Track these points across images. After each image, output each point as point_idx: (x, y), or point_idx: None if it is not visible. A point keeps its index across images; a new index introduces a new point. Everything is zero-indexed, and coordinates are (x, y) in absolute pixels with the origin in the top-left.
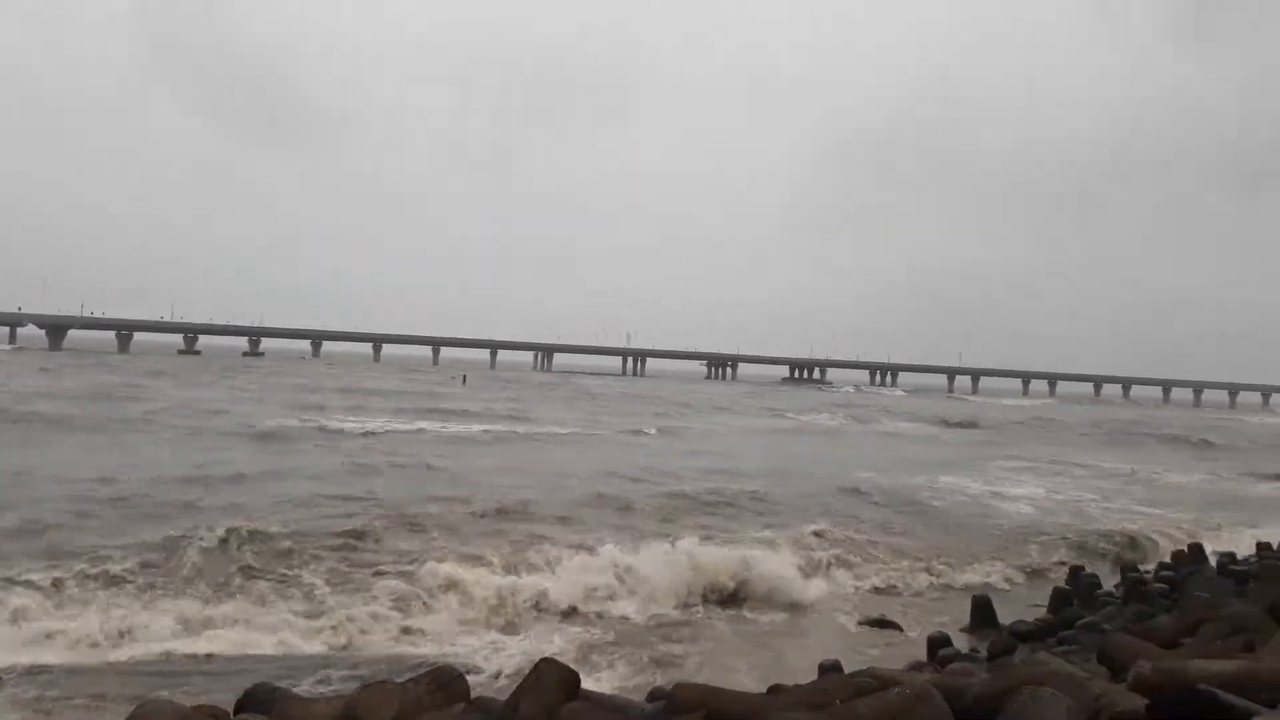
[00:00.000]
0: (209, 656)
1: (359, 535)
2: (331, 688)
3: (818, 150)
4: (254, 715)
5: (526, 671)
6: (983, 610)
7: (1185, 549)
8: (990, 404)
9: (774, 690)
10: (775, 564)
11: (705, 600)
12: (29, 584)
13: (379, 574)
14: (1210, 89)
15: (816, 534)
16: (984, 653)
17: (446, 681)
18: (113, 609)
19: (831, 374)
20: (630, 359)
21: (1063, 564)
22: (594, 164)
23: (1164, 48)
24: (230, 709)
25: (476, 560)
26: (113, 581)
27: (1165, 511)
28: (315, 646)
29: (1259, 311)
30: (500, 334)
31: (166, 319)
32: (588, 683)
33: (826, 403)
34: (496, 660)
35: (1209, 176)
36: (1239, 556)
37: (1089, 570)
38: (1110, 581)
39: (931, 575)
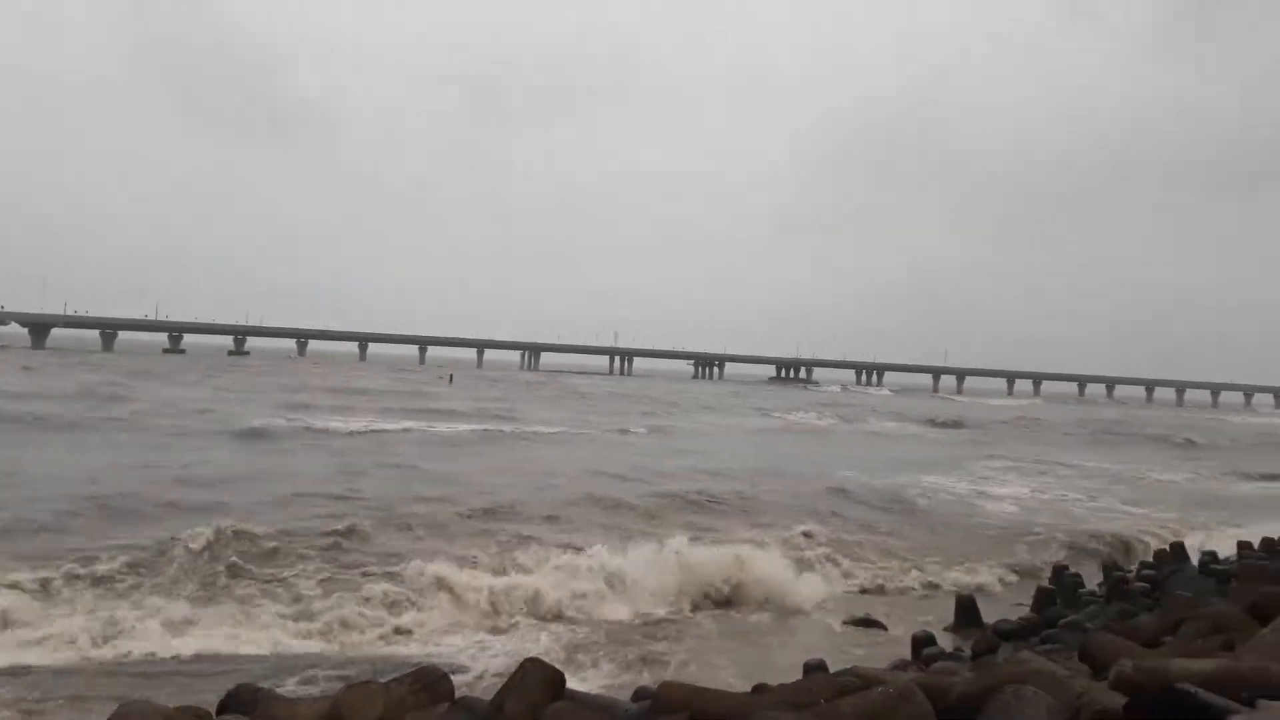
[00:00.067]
0: (194, 657)
1: (345, 535)
2: (317, 688)
3: (816, 150)
4: (237, 716)
5: (512, 671)
6: (967, 609)
7: (1167, 548)
8: (976, 403)
9: (759, 689)
10: (770, 566)
11: (696, 607)
12: (14, 585)
13: (365, 574)
14: (1209, 89)
15: (805, 534)
16: (968, 651)
17: (431, 681)
18: (98, 610)
19: (818, 374)
20: (618, 358)
21: (1048, 564)
22: (594, 164)
23: (1164, 48)
24: (213, 710)
25: (463, 560)
26: (98, 582)
27: (1149, 511)
28: (301, 647)
29: (1256, 312)
30: (500, 334)
31: (151, 318)
32: (573, 682)
33: (813, 402)
34: (482, 660)
35: (1208, 177)
36: (1220, 556)
37: (1072, 569)
38: (1093, 580)
39: (917, 575)
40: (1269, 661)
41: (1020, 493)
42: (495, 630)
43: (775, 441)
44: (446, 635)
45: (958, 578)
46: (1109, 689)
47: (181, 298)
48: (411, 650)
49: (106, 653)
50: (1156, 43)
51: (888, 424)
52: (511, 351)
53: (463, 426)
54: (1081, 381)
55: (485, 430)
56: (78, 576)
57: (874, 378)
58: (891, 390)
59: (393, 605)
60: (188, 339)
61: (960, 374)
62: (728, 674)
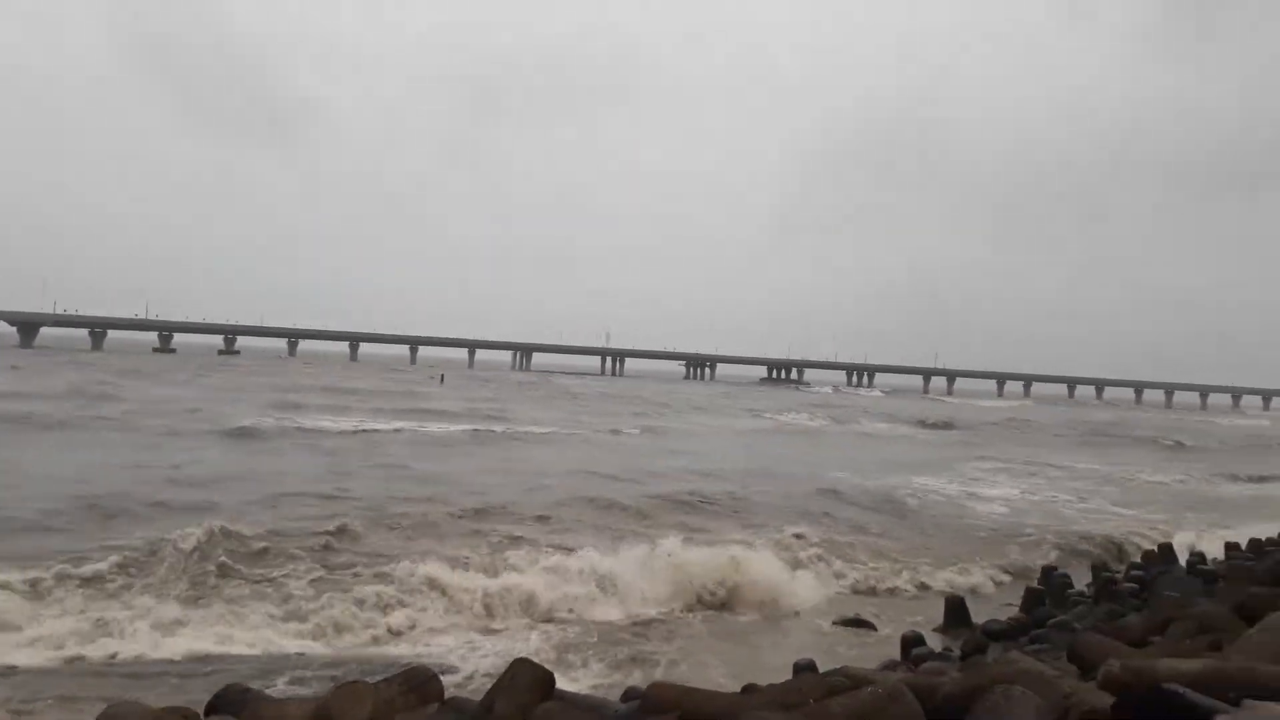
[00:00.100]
0: (184, 658)
1: (336, 536)
2: (306, 688)
3: (814, 150)
4: (225, 717)
5: (502, 672)
6: (956, 610)
7: (1156, 549)
8: (966, 405)
9: (748, 689)
10: (765, 568)
11: (689, 609)
12: (4, 585)
13: (356, 574)
14: (1209, 89)
15: (796, 535)
16: (957, 652)
17: (420, 682)
18: (87, 610)
19: (809, 375)
20: (609, 359)
21: (1039, 565)
22: (594, 164)
23: (1164, 48)
24: (202, 710)
25: (454, 561)
26: (88, 582)
27: (1138, 512)
28: (292, 647)
29: (1253, 312)
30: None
31: (141, 317)
32: (563, 682)
33: (805, 403)
34: (472, 660)
35: (1208, 177)
36: (1208, 557)
37: (1062, 570)
38: (1082, 581)
39: (907, 576)
40: (1256, 661)
41: (1011, 494)
42: (485, 631)
43: (767, 442)
44: (436, 636)
45: (948, 579)
46: (1097, 689)
47: (181, 297)
48: (401, 650)
49: (96, 653)
50: (1156, 43)
51: (879, 425)
52: (503, 352)
53: (454, 427)
54: (1071, 383)
55: (476, 430)
56: (67, 577)
57: (865, 379)
58: (883, 391)
59: (383, 606)
60: (178, 338)
61: (951, 375)
62: (718, 674)
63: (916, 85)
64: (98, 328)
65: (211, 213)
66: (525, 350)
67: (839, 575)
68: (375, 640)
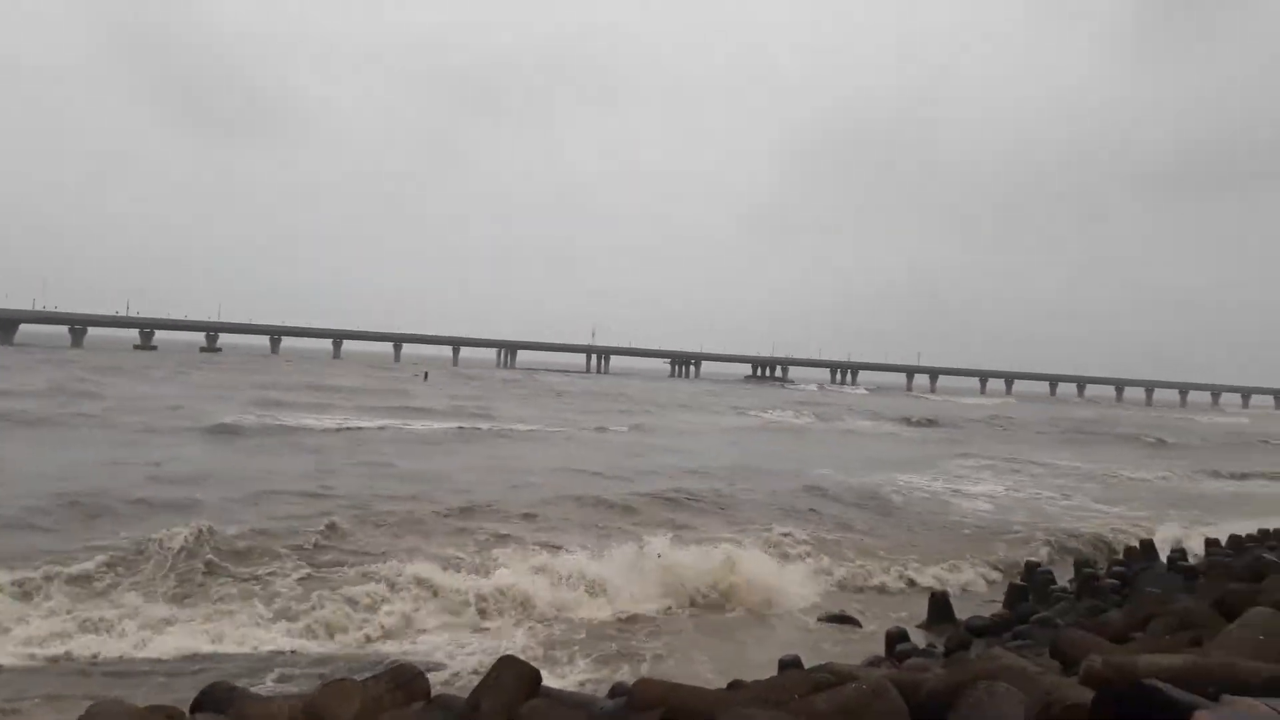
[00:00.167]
0: (171, 656)
1: (322, 534)
2: (293, 686)
3: (811, 150)
4: (210, 715)
5: (488, 669)
6: (940, 606)
7: (1137, 545)
8: (949, 402)
9: (734, 685)
10: (758, 567)
11: (681, 608)
12: None
13: (342, 573)
14: (1208, 89)
15: (784, 533)
16: (941, 648)
17: (406, 680)
18: (73, 609)
19: (793, 372)
20: (594, 356)
21: (1022, 561)
22: (594, 164)
23: (1164, 48)
24: (187, 709)
25: (441, 559)
26: (74, 581)
27: (1121, 509)
28: (278, 645)
29: (1246, 312)
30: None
31: (122, 314)
32: (549, 679)
33: (790, 401)
34: (459, 658)
35: (1206, 176)
36: (1189, 553)
37: (1045, 567)
38: (1064, 577)
39: (892, 572)
40: (1235, 657)
41: (995, 491)
42: (472, 628)
43: (753, 440)
44: (423, 633)
45: (933, 575)
46: (1079, 684)
47: (181, 297)
48: (389, 648)
49: (83, 652)
50: (1157, 42)
51: (863, 423)
52: (488, 350)
53: (438, 424)
54: (1053, 381)
55: (461, 428)
56: (52, 576)
57: (849, 376)
58: (867, 389)
59: (370, 604)
60: (159, 336)
61: (933, 373)
62: (704, 670)
63: (916, 85)
64: (78, 325)
65: (207, 212)
66: (510, 348)
67: (825, 572)
68: (363, 638)
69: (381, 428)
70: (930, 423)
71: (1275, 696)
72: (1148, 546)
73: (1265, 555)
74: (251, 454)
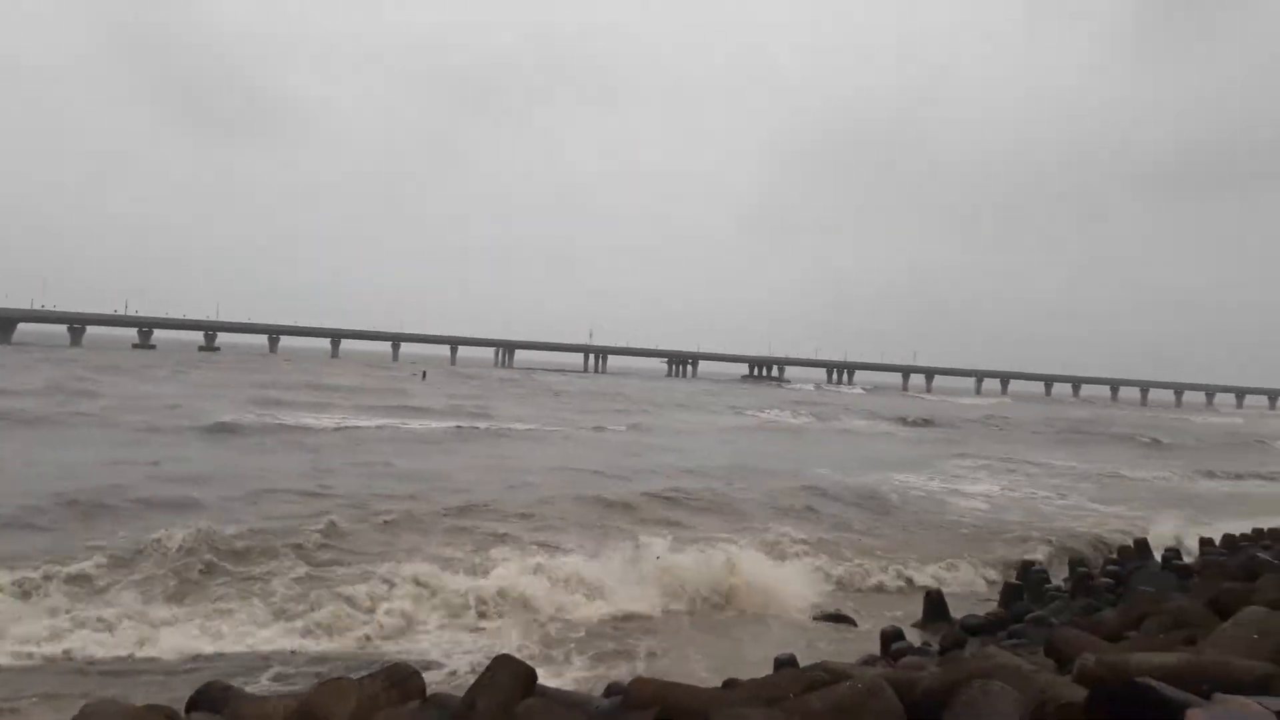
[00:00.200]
0: (169, 655)
1: (320, 533)
2: (290, 685)
3: (810, 149)
4: (205, 714)
5: (484, 668)
6: (935, 605)
7: (1131, 544)
8: (946, 402)
9: (729, 684)
10: (758, 568)
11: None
12: None
13: (340, 572)
14: (1207, 88)
15: (782, 533)
16: (936, 646)
17: (402, 678)
18: (72, 608)
19: (789, 372)
20: (592, 356)
21: (1018, 561)
22: (593, 164)
23: (1164, 47)
24: (182, 708)
25: (439, 558)
26: (72, 580)
27: (1118, 509)
28: (276, 644)
29: (1238, 312)
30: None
31: (121, 313)
32: (546, 678)
33: (787, 401)
34: (456, 657)
35: (1205, 176)
36: (1183, 552)
37: (1039, 566)
38: (1059, 576)
39: (888, 572)
40: (1229, 655)
41: (991, 490)
42: (469, 628)
43: (750, 439)
44: (421, 633)
45: (929, 575)
46: (1073, 683)
47: (180, 297)
48: (386, 647)
49: (81, 651)
50: (1157, 42)
51: (860, 422)
52: (485, 349)
53: (436, 424)
54: (1048, 381)
55: (459, 427)
56: (52, 575)
57: (845, 376)
58: (864, 389)
59: (368, 603)
60: (157, 335)
61: (929, 373)
62: (700, 668)
63: (916, 85)
64: (76, 324)
65: (206, 211)
66: (507, 347)
67: (822, 571)
68: (361, 638)
69: (380, 427)
70: (927, 422)
71: (1268, 695)
72: (1142, 545)
73: (1259, 554)
74: (250, 453)
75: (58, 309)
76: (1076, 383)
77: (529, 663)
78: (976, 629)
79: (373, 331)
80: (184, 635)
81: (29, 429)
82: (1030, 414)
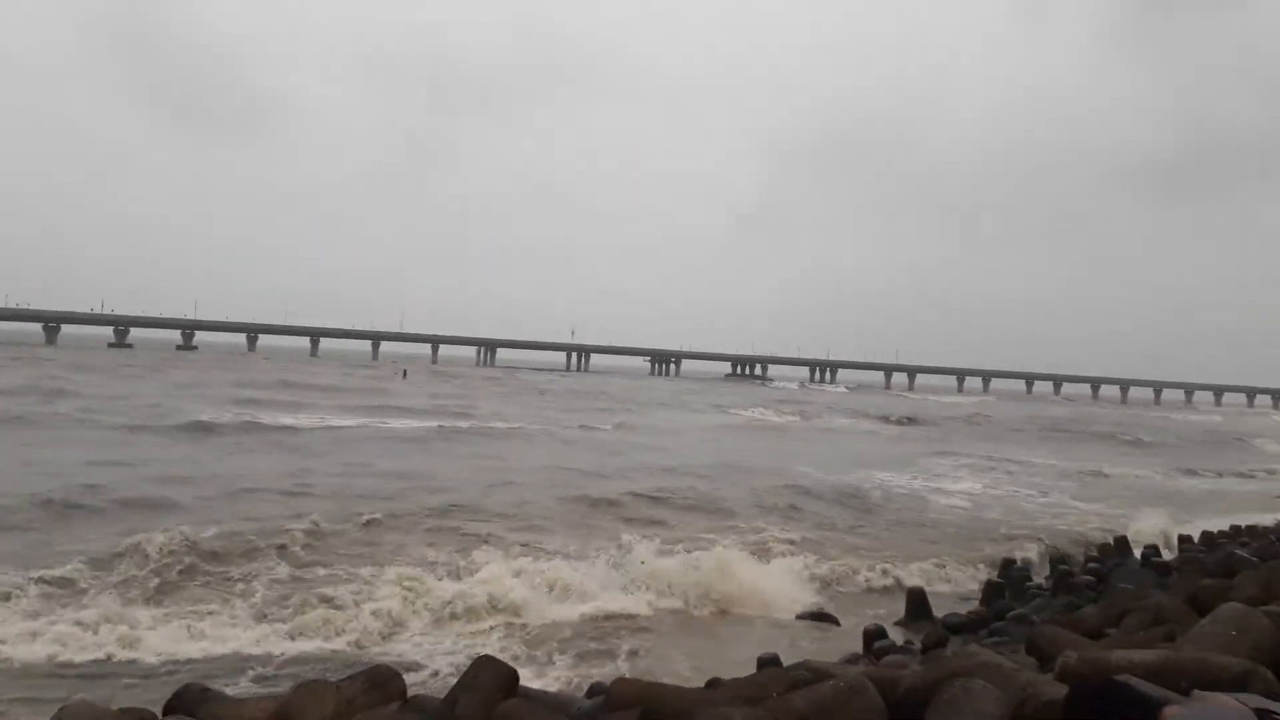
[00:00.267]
0: (148, 658)
1: (301, 534)
2: (269, 687)
3: (808, 149)
4: (182, 717)
5: (466, 669)
6: (917, 603)
7: (1112, 542)
8: (928, 400)
9: (712, 684)
10: (745, 572)
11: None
12: None
13: (321, 573)
14: (1206, 88)
15: (765, 531)
16: (918, 645)
17: (382, 680)
18: (49, 612)
19: (772, 370)
20: (574, 355)
21: (999, 559)
22: (590, 163)
23: (1164, 47)
24: (159, 710)
25: (421, 559)
26: (50, 583)
27: (1098, 506)
28: (256, 647)
29: (1252, 312)
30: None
31: (96, 311)
32: (528, 679)
33: (770, 399)
34: (438, 658)
35: (1206, 177)
36: (1163, 549)
37: (1020, 563)
38: (1041, 574)
39: (871, 570)
40: (1207, 652)
41: (973, 489)
42: (450, 629)
43: (734, 438)
44: (402, 634)
45: (912, 573)
46: (1054, 680)
47: (163, 296)
48: (366, 649)
49: (60, 655)
50: (1157, 41)
51: (843, 421)
52: (467, 348)
53: (418, 423)
54: (1029, 379)
55: (441, 427)
56: (29, 578)
57: (828, 375)
58: (847, 387)
59: (349, 604)
60: (134, 334)
61: (911, 371)
62: (683, 668)
63: (915, 84)
64: (51, 322)
65: (186, 211)
66: (489, 346)
67: (805, 570)
68: (342, 639)
69: (361, 426)
70: (909, 421)
71: (1246, 691)
72: (1122, 543)
73: (1237, 551)
74: (230, 453)
75: (32, 307)
76: (1058, 381)
77: (511, 663)
78: (959, 627)
79: (353, 330)
80: (164, 638)
81: (5, 429)
82: (1012, 412)
